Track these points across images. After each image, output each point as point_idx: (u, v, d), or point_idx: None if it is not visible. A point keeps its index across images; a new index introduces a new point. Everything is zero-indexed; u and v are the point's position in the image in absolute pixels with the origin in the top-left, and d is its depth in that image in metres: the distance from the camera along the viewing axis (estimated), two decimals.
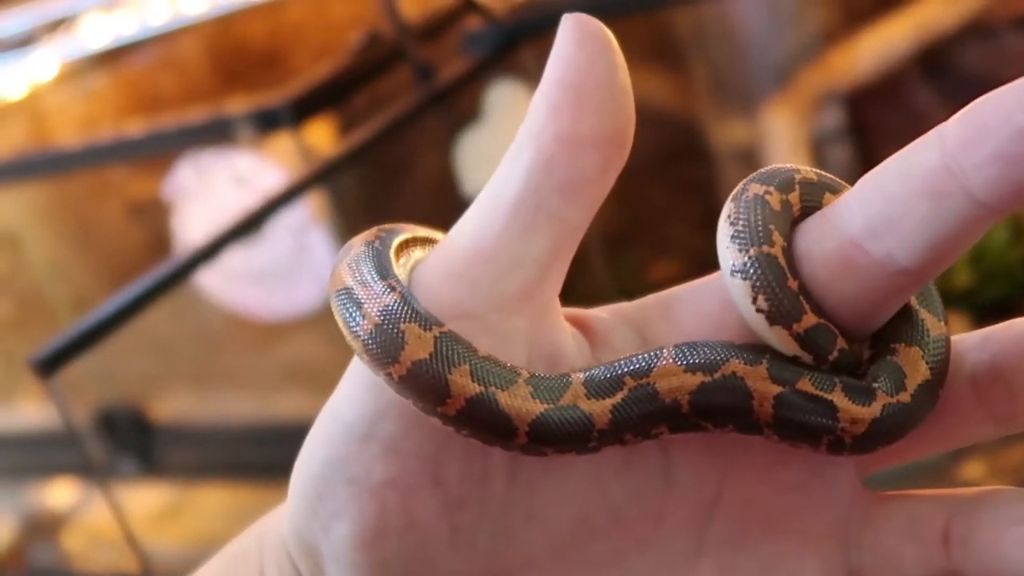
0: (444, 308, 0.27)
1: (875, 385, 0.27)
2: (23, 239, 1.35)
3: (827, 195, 0.28)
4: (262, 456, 1.18)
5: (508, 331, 0.27)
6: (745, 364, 0.27)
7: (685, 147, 1.50)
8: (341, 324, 0.27)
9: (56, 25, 1.36)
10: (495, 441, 0.27)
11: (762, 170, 0.29)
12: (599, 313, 0.30)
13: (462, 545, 0.28)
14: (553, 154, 0.27)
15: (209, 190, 1.01)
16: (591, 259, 1.22)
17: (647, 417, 0.27)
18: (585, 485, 0.29)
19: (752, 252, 0.27)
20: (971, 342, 0.29)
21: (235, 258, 0.93)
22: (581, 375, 0.27)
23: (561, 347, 0.28)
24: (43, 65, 1.37)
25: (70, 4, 1.35)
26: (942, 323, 0.28)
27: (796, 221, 0.28)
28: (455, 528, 0.28)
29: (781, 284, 0.27)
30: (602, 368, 0.27)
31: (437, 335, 0.27)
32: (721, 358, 0.27)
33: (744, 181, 0.29)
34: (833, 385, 0.27)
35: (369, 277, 0.27)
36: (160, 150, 1.09)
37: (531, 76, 1.01)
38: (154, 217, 1.17)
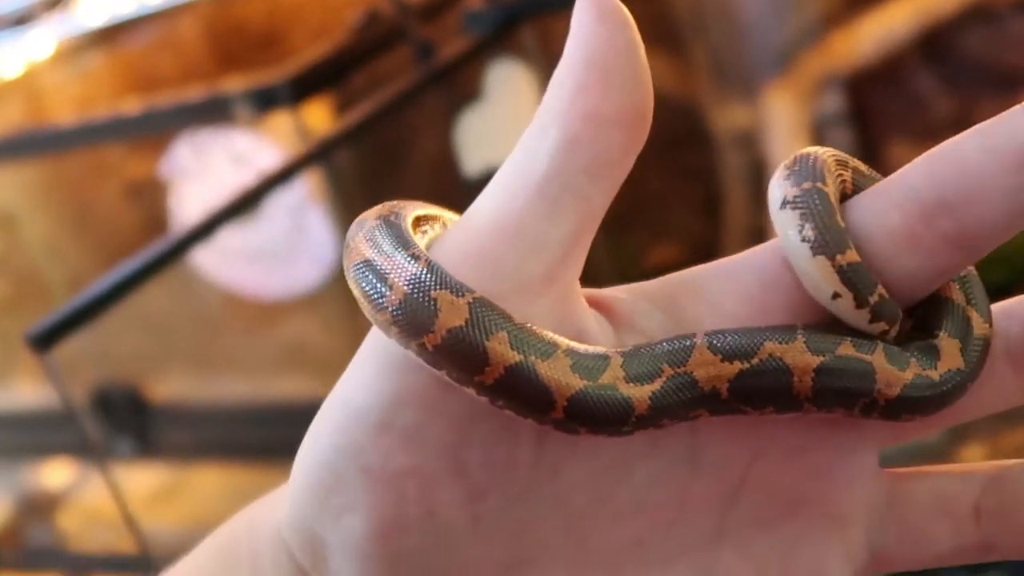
0: None
1: (911, 357, 0.27)
2: (19, 218, 1.34)
3: (868, 185, 0.28)
4: (260, 437, 1.18)
5: (531, 314, 0.27)
6: (780, 343, 0.27)
7: (685, 131, 1.49)
8: (362, 298, 0.26)
9: (53, 3, 1.35)
10: (531, 413, 0.26)
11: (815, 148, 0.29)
12: (618, 293, 0.29)
13: (482, 533, 0.27)
14: (579, 133, 0.27)
15: (206, 169, 1.01)
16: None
17: (686, 404, 0.27)
18: (610, 468, 0.28)
19: (805, 185, 0.27)
20: (994, 314, 0.29)
21: (232, 237, 0.93)
22: (619, 357, 0.26)
23: (585, 330, 0.28)
24: (40, 44, 1.36)
25: None
26: (987, 325, 0.28)
27: (844, 198, 0.28)
28: (476, 517, 0.27)
29: (830, 216, 0.27)
30: (638, 353, 0.27)
31: (471, 301, 0.26)
32: (756, 342, 0.27)
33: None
34: (875, 347, 0.27)
35: (390, 248, 0.26)
36: (157, 129, 1.08)
37: (531, 56, 1.01)
38: (151, 197, 1.17)
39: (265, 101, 0.96)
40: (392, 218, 0.28)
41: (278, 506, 0.29)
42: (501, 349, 0.25)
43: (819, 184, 0.27)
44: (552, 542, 0.28)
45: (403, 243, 0.27)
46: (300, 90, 0.95)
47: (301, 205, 0.98)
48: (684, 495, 0.28)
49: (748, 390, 0.27)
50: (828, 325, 0.27)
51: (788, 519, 0.29)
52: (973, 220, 0.26)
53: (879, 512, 0.30)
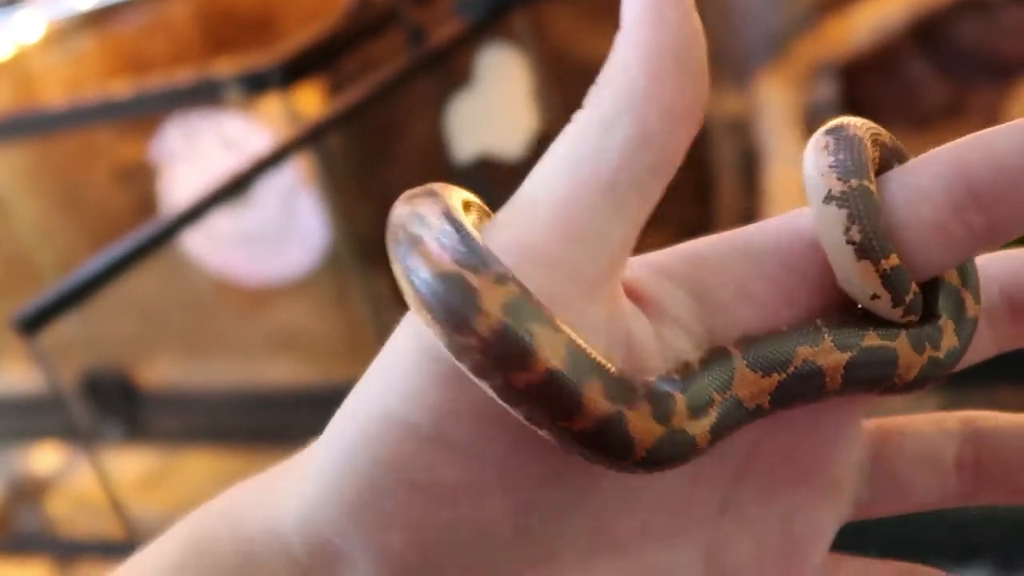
0: None
1: (925, 340, 0.28)
2: (8, 201, 1.34)
3: (895, 162, 0.28)
4: (249, 422, 1.18)
5: (589, 318, 0.25)
6: (811, 347, 0.27)
7: None
8: (434, 311, 0.24)
9: None
10: (606, 460, 0.25)
11: (847, 117, 0.28)
12: (640, 274, 0.28)
13: (519, 540, 0.27)
14: (654, 128, 0.25)
15: (196, 153, 1.00)
16: None
17: (735, 425, 0.27)
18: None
19: (853, 183, 0.27)
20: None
21: (222, 221, 0.92)
22: (680, 395, 0.26)
23: (634, 331, 0.27)
24: (30, 26, 1.35)
25: None
26: (977, 306, 0.29)
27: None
28: (518, 527, 0.26)
29: (876, 218, 0.27)
30: (690, 382, 0.26)
31: (567, 341, 0.24)
32: (788, 349, 0.27)
33: (837, 119, 0.28)
34: (897, 334, 0.27)
35: (476, 260, 0.24)
36: (146, 111, 1.07)
37: (523, 41, 1.00)
38: (142, 181, 1.16)
39: (256, 84, 0.95)
40: (455, 215, 0.25)
41: (273, 505, 0.28)
42: (596, 399, 0.24)
43: (865, 182, 0.27)
44: (578, 538, 0.28)
45: (488, 257, 0.24)
46: (291, 74, 0.94)
47: (292, 189, 0.97)
48: (693, 478, 0.28)
49: (786, 397, 0.27)
50: (845, 310, 0.28)
51: (789, 491, 0.29)
52: (1002, 216, 0.26)
53: (865, 469, 0.30)
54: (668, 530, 0.29)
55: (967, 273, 0.29)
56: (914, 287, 0.27)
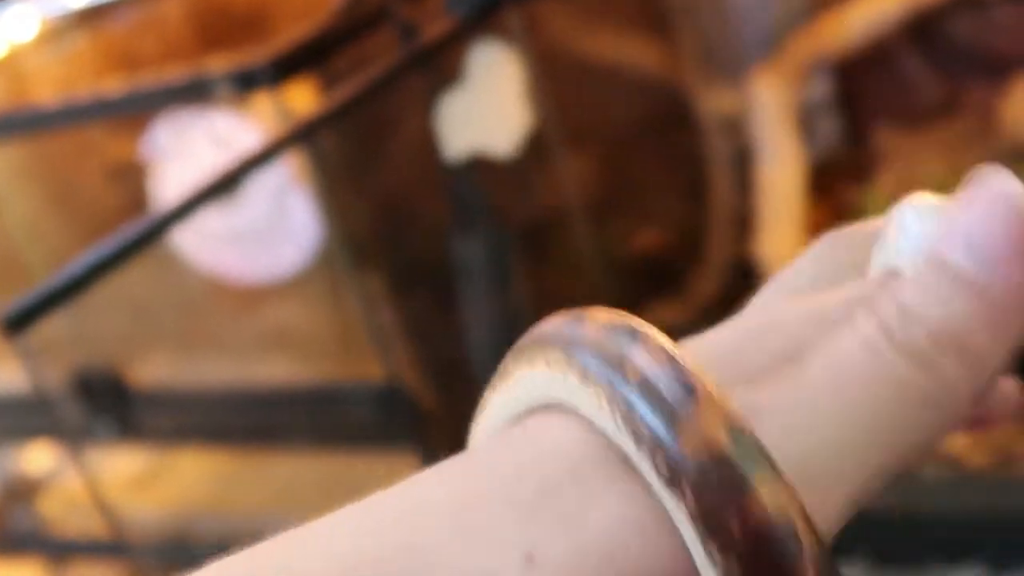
0: None
1: None
2: (0, 200, 1.33)
3: None
4: (242, 421, 1.17)
5: None
6: None
7: (670, 115, 1.48)
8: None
9: None
10: None
11: None
12: None
13: None
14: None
15: (187, 151, 1.00)
16: (574, 227, 1.21)
17: None
18: None
19: None
20: None
21: (212, 219, 0.92)
22: None
23: None
24: (22, 24, 1.35)
25: None
26: None
27: None
28: None
29: None
30: None
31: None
32: None
33: None
34: None
35: None
36: (138, 109, 1.07)
37: (516, 38, 1.00)
38: (134, 179, 1.16)
39: (247, 82, 0.95)
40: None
41: None
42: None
43: None
44: None
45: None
46: (283, 71, 0.94)
47: (283, 187, 0.97)
48: None
49: None
50: None
51: None
52: None
53: None
54: None
55: None
56: None
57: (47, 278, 0.86)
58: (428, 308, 1.13)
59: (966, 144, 1.39)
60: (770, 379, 0.25)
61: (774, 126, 1.38)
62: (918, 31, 1.40)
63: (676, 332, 0.28)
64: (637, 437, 0.23)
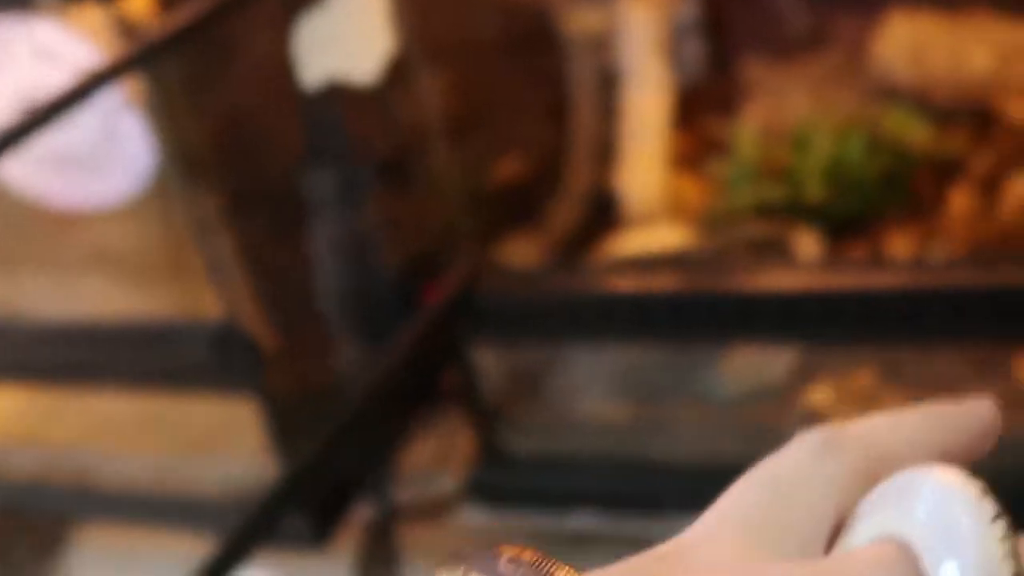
0: None
1: None
2: None
3: None
4: (62, 357, 1.08)
5: None
6: None
7: (533, 33, 1.41)
8: None
9: None
10: None
11: None
12: None
13: None
14: None
15: (6, 63, 0.88)
16: (433, 155, 1.14)
17: None
18: None
19: None
20: None
21: (38, 143, 0.81)
22: None
23: None
24: None
25: None
26: None
27: None
28: None
29: None
30: None
31: None
32: None
33: None
34: None
35: None
36: None
37: None
38: None
39: None
40: None
41: None
42: None
43: None
44: None
45: None
46: None
47: (115, 109, 0.87)
48: None
49: None
50: None
51: None
52: None
53: None
54: None
55: None
56: None
57: None
58: (271, 240, 1.05)
59: (835, 80, 1.36)
60: None
61: (642, 50, 1.32)
62: None
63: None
64: None
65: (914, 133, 1.20)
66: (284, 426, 1.00)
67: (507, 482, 1.05)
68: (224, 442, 1.11)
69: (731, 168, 1.21)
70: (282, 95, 0.91)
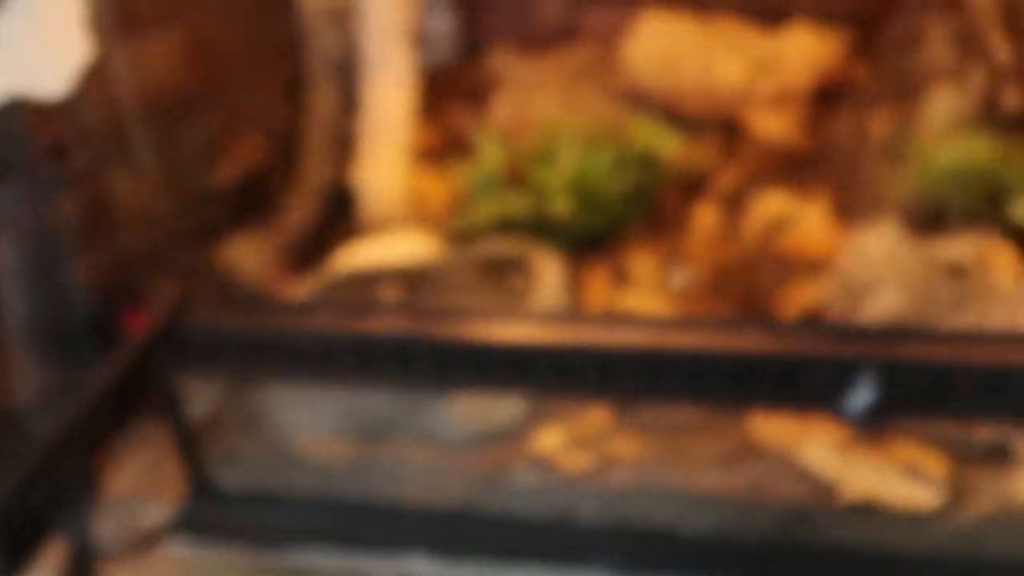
0: None
1: None
2: None
3: None
4: None
5: None
6: None
7: (270, 2, 1.30)
8: None
9: None
10: None
11: None
12: None
13: None
14: None
15: None
16: (131, 140, 1.01)
17: None
18: None
19: None
20: None
21: None
22: None
23: None
24: None
25: None
26: None
27: None
28: None
29: None
30: None
31: None
32: None
33: None
34: None
35: None
36: None
37: None
38: None
39: None
40: None
41: None
42: None
43: None
44: None
45: None
46: None
47: None
48: None
49: None
50: None
51: None
52: None
53: None
54: None
55: None
56: None
57: None
58: None
59: (586, 77, 1.31)
60: None
61: (384, 35, 1.23)
62: None
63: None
64: None
65: (663, 146, 1.16)
66: None
67: (218, 516, 0.96)
68: None
69: (474, 176, 1.14)
70: None
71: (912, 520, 0.82)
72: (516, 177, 1.16)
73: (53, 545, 0.98)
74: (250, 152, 1.26)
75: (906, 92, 1.10)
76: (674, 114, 1.25)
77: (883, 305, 0.94)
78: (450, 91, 1.39)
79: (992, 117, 1.06)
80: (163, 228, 1.04)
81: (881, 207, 1.07)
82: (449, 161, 1.26)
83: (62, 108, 0.82)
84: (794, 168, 1.19)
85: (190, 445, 0.95)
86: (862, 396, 0.75)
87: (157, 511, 1.00)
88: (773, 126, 1.22)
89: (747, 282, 1.09)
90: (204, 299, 0.91)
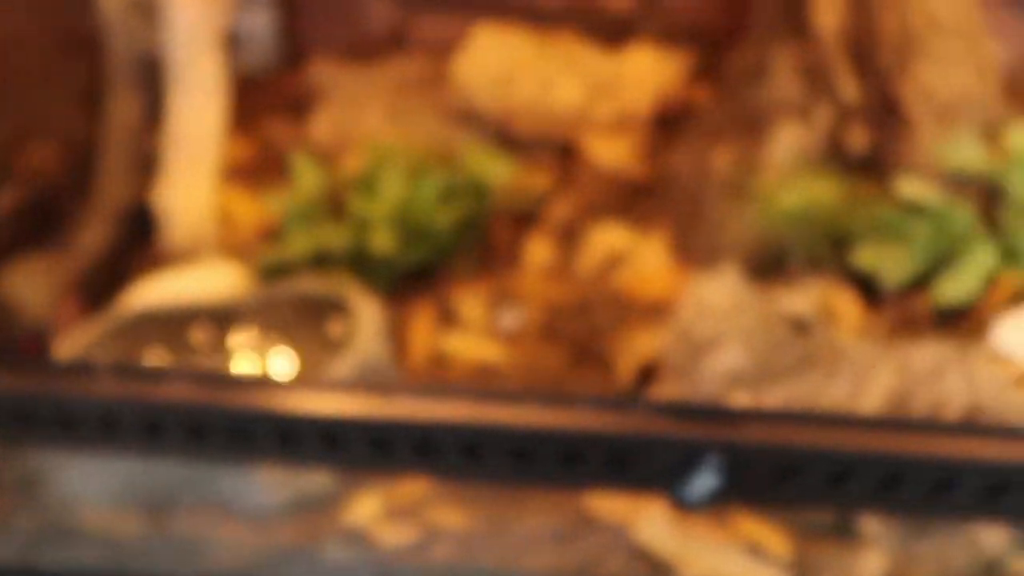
0: None
1: None
2: None
3: None
4: None
5: None
6: None
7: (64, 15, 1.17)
8: None
9: None
10: None
11: None
12: None
13: None
14: None
15: None
16: None
17: None
18: None
19: None
20: None
21: None
22: None
23: None
24: None
25: None
26: None
27: None
28: None
29: None
30: None
31: None
32: None
33: None
34: None
35: None
36: None
37: None
38: None
39: None
40: None
41: None
42: None
43: None
44: None
45: None
46: None
47: None
48: None
49: None
50: None
51: None
52: None
53: None
54: None
55: None
56: None
57: None
58: None
59: (415, 91, 1.22)
60: None
61: (193, 40, 1.12)
62: None
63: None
64: None
65: (494, 172, 1.08)
66: None
67: None
68: None
69: (288, 204, 1.04)
70: None
71: None
72: (336, 205, 1.07)
73: None
74: (39, 164, 1.13)
75: (750, 125, 1.04)
76: (507, 135, 1.17)
77: (724, 362, 0.88)
78: (268, 100, 1.28)
79: (838, 157, 1.01)
80: None
81: (722, 249, 1.01)
82: (264, 179, 1.16)
83: None
84: (632, 199, 1.13)
85: None
86: (703, 482, 0.69)
87: None
88: (611, 152, 1.16)
89: (582, 324, 1.02)
90: None
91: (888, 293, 0.95)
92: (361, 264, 1.02)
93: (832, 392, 0.84)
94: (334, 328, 0.95)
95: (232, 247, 1.09)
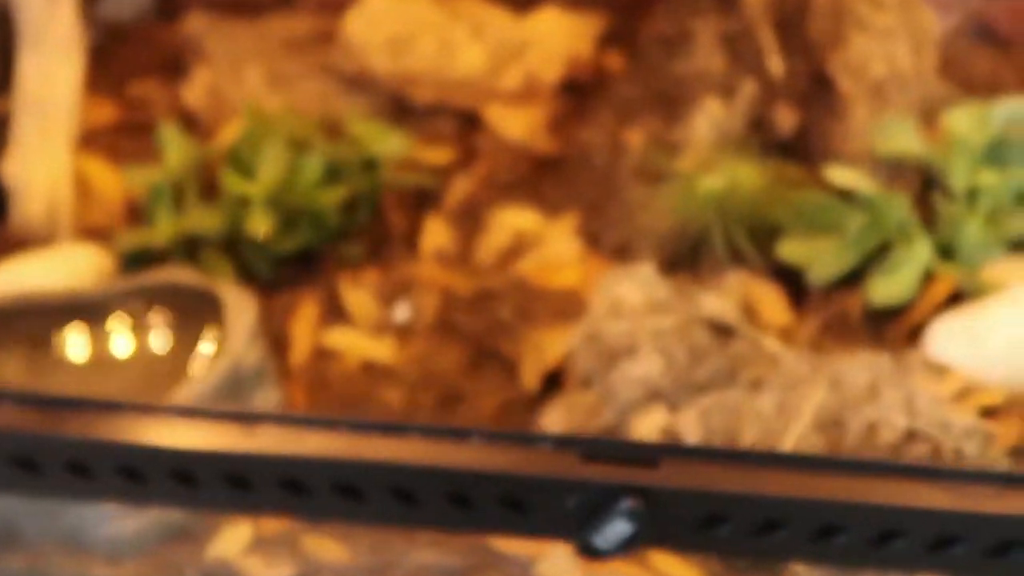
0: None
1: None
2: None
3: None
4: None
5: None
6: None
7: None
8: None
9: None
10: None
11: None
12: None
13: None
14: None
15: None
16: None
17: None
18: None
19: None
20: None
21: None
22: None
23: None
24: None
25: None
26: None
27: None
28: None
29: None
30: None
31: None
32: None
33: None
34: None
35: None
36: None
37: None
38: None
39: None
40: None
41: None
42: None
43: None
44: None
45: None
46: None
47: None
48: None
49: None
50: None
51: None
52: None
53: None
54: None
55: None
56: None
57: None
58: None
59: (302, 52, 1.10)
60: None
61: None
62: None
63: None
64: None
65: (387, 147, 0.98)
66: None
67: None
68: None
69: (154, 181, 0.93)
70: None
71: None
72: (209, 181, 0.95)
73: None
74: None
75: (667, 100, 0.95)
76: (403, 103, 1.06)
77: (639, 371, 0.79)
78: (137, 55, 1.16)
79: (763, 138, 0.92)
80: None
81: (636, 237, 0.92)
82: (129, 147, 1.04)
83: None
84: (540, 176, 1.03)
85: None
86: (615, 529, 0.60)
87: None
88: (517, 123, 1.06)
89: (483, 319, 0.92)
90: None
91: (816, 290, 0.87)
92: (236, 250, 0.92)
93: (759, 406, 0.76)
94: (201, 326, 0.85)
95: (93, 228, 0.98)
